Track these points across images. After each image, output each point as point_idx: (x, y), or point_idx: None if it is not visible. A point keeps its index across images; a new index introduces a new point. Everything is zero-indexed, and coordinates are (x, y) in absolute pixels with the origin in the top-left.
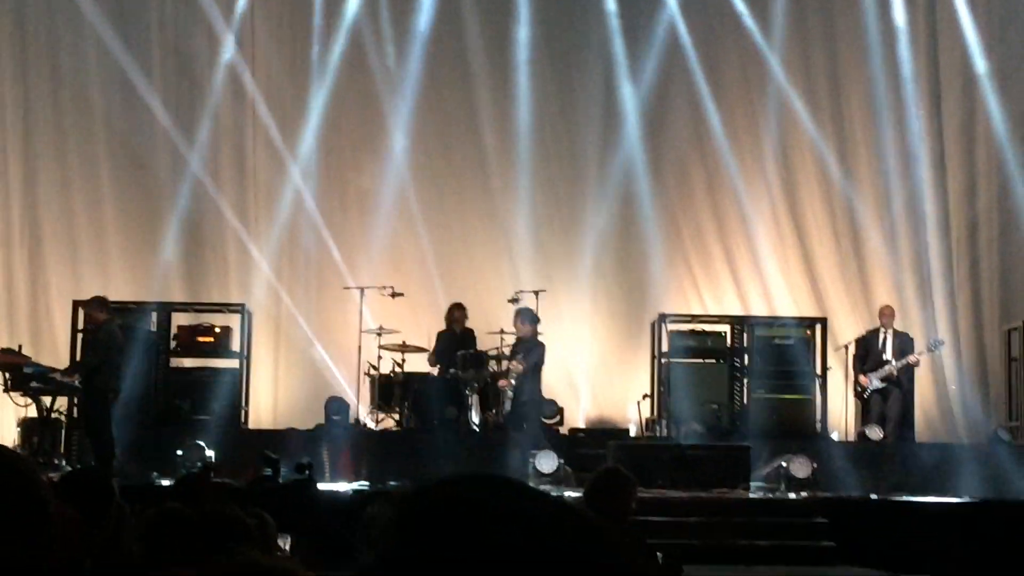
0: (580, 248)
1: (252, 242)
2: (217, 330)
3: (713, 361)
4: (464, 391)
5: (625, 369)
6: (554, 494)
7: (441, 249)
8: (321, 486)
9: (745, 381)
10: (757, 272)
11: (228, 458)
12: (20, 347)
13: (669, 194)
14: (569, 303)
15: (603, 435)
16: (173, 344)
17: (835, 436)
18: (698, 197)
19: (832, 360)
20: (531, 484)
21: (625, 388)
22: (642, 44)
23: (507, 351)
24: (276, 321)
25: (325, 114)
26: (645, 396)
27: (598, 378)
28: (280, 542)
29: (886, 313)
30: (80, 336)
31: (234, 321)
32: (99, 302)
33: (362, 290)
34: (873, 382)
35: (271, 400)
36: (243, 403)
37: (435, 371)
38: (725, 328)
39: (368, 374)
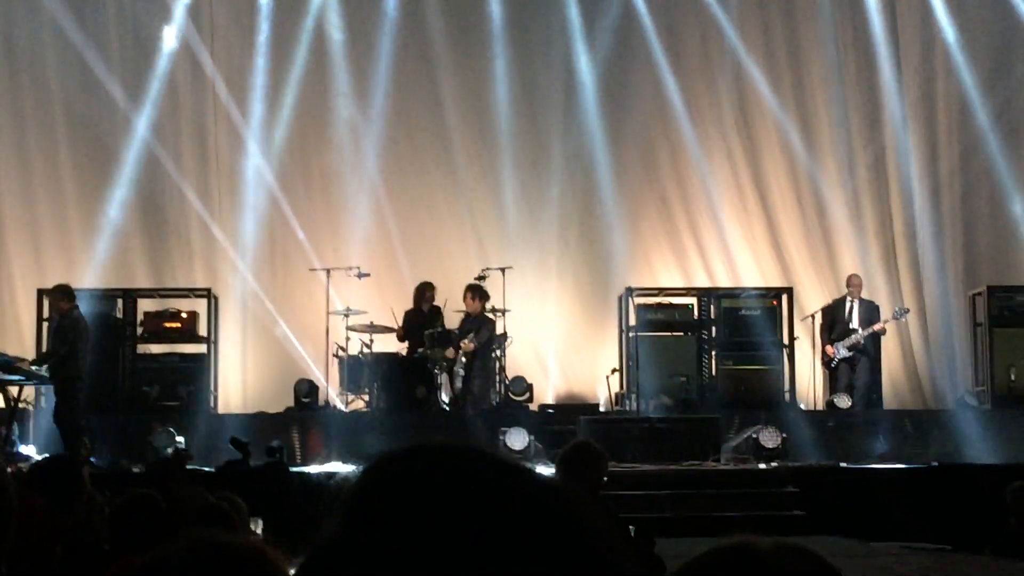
0: (546, 224)
1: (216, 225)
2: (184, 315)
3: (680, 334)
4: (433, 370)
5: (593, 344)
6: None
7: (407, 228)
8: (292, 469)
9: (712, 353)
10: (722, 244)
11: (198, 443)
12: None
13: (633, 167)
14: (536, 280)
15: (573, 410)
16: (140, 331)
17: (803, 406)
18: (662, 170)
19: (799, 330)
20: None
21: (594, 363)
22: (599, 14)
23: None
24: (243, 305)
25: (287, 94)
26: (614, 370)
27: (567, 354)
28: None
29: (854, 283)
30: (46, 325)
31: (200, 306)
32: (63, 291)
33: (328, 271)
34: (840, 351)
35: (240, 384)
36: (212, 388)
37: (403, 351)
38: (691, 300)
39: (336, 355)
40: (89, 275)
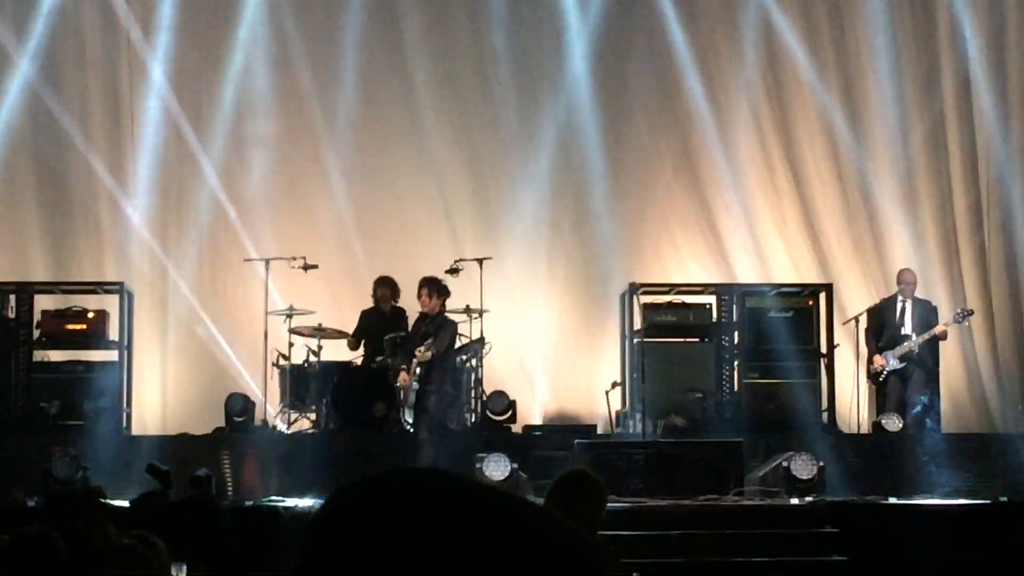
0: (532, 206)
1: (131, 206)
2: (90, 315)
3: (696, 340)
4: (395, 383)
5: (590, 352)
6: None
7: (363, 210)
8: (222, 503)
9: (735, 363)
10: (747, 230)
11: (107, 471)
12: None
13: (638, 138)
14: (520, 273)
15: (565, 433)
16: (37, 333)
17: (844, 428)
18: (673, 142)
19: (839, 336)
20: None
21: (590, 375)
22: None
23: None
24: (163, 303)
25: (217, 49)
26: (615, 384)
27: (557, 363)
28: (174, 570)
29: (906, 279)
30: None
31: (111, 304)
32: None
33: (267, 262)
34: (890, 361)
35: (159, 400)
36: (124, 404)
37: (358, 359)
38: (710, 300)
39: (277, 365)
40: None
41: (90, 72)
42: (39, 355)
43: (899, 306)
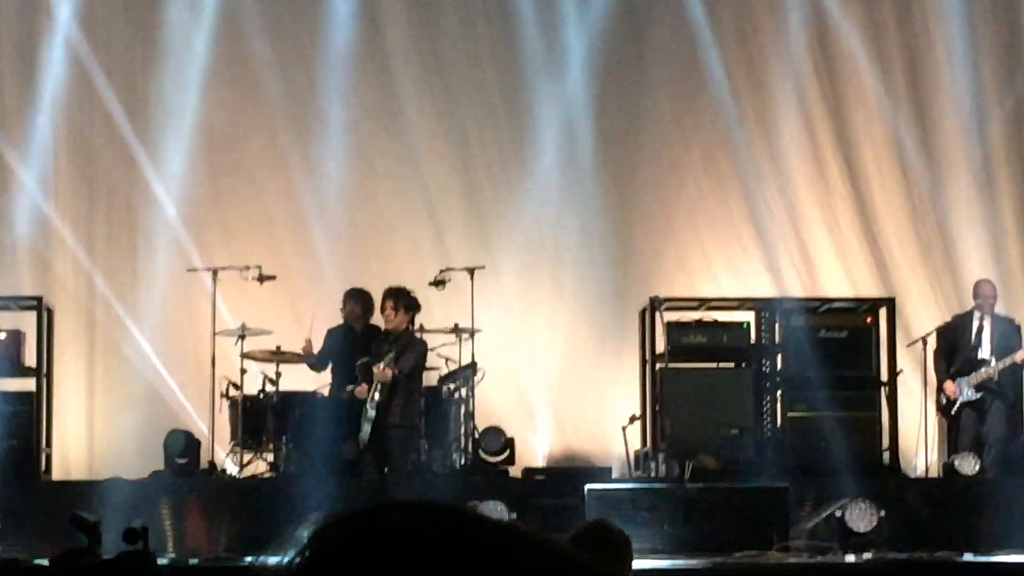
0: (534, 207)
1: (53, 208)
2: (2, 336)
3: (730, 365)
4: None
5: (603, 380)
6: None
7: (332, 211)
8: (161, 562)
9: (777, 394)
10: (793, 236)
11: (22, 523)
12: None
13: (661, 126)
14: (520, 285)
15: (573, 477)
16: None
17: (910, 471)
18: (703, 130)
19: (903, 360)
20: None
21: (603, 408)
22: None
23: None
24: (89, 321)
25: (151, 16)
26: (633, 418)
27: (563, 394)
28: None
29: (984, 292)
30: None
31: (27, 323)
32: None
33: (215, 272)
34: (964, 391)
35: (84, 438)
36: (42, 442)
37: (325, 389)
38: (747, 317)
39: (226, 395)
40: None
41: (3, 39)
42: None
43: (975, 325)
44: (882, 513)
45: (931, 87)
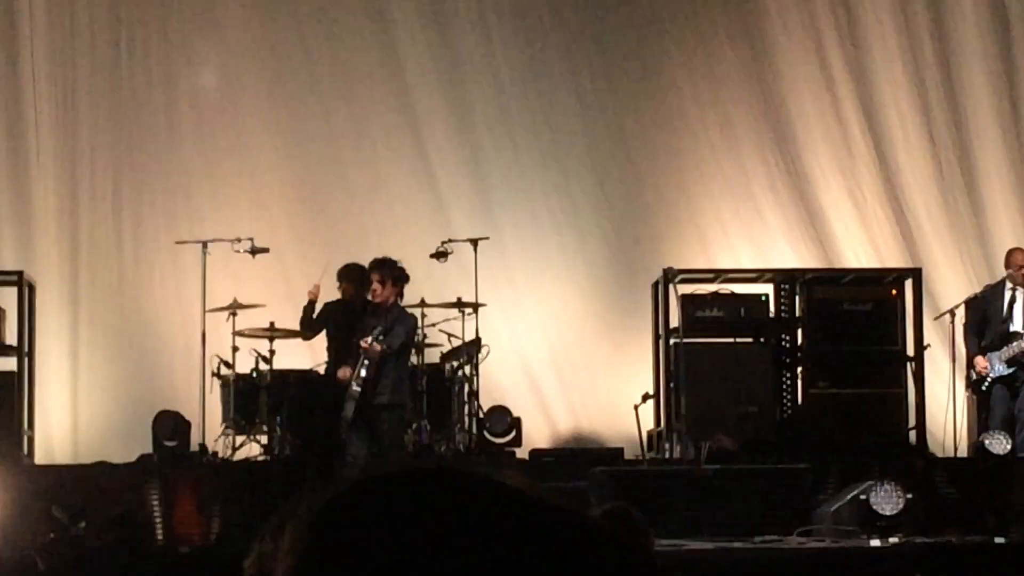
0: (540, 174)
1: (35, 180)
2: None
3: (749, 340)
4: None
5: (614, 356)
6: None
7: (327, 181)
8: (150, 549)
9: (798, 370)
10: (813, 203)
11: (5, 511)
12: None
13: (672, 87)
14: (525, 257)
15: (583, 458)
16: None
17: (939, 450)
18: (720, 90)
19: (931, 334)
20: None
21: (614, 385)
22: None
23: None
24: (73, 298)
25: None
26: (646, 396)
27: (572, 371)
28: None
29: (1017, 261)
30: None
31: (7, 299)
32: None
33: (204, 244)
34: (995, 366)
35: (69, 420)
36: (24, 425)
37: (321, 367)
38: (766, 289)
39: (218, 375)
40: None
41: None
42: None
43: (1007, 296)
44: (909, 495)
45: (959, 47)
